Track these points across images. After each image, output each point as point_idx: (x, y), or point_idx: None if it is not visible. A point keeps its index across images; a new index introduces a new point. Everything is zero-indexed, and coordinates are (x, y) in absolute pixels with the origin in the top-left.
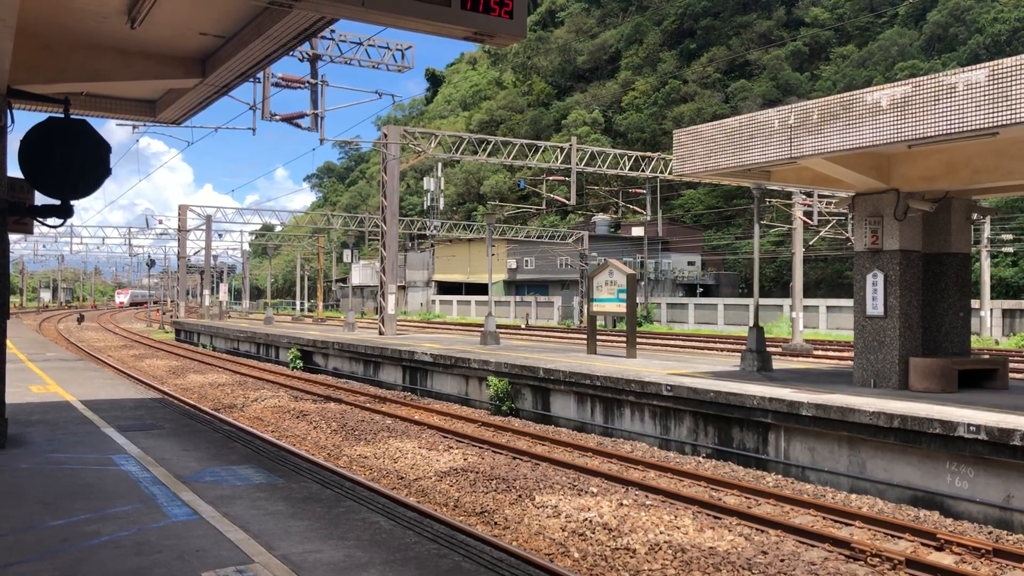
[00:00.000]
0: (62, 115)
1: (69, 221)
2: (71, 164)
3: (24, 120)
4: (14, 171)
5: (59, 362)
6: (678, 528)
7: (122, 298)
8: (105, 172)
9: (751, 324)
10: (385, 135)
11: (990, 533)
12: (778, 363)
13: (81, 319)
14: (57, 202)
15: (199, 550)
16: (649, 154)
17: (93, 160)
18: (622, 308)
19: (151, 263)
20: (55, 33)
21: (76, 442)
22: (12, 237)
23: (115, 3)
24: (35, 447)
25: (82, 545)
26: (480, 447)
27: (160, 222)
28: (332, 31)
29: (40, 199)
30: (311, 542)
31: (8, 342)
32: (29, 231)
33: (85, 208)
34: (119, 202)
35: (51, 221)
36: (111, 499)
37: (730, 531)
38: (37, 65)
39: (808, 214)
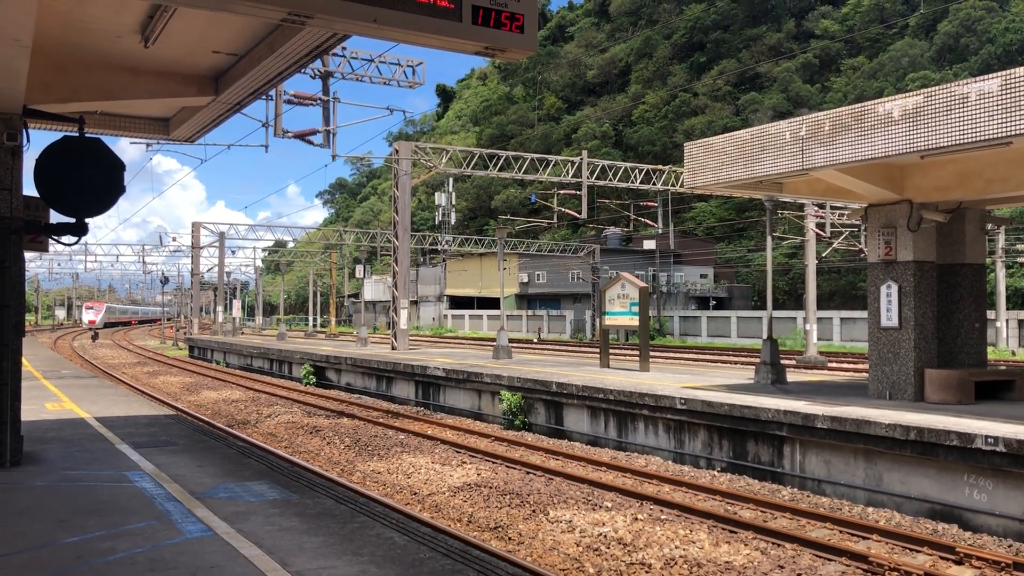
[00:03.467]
0: (77, 134)
1: (83, 239)
2: (85, 182)
3: (39, 139)
4: (29, 189)
5: (74, 379)
6: (693, 542)
7: (90, 315)
8: (119, 190)
9: (765, 336)
10: (396, 151)
11: (1010, 546)
12: (792, 376)
13: (95, 336)
14: (72, 220)
15: (213, 566)
16: (660, 167)
17: (107, 178)
18: (634, 321)
19: (165, 280)
20: (70, 53)
21: (91, 459)
22: (27, 255)
23: (129, 22)
24: (50, 464)
25: (97, 562)
26: (493, 462)
27: (174, 239)
28: (344, 48)
29: (55, 217)
30: (325, 558)
31: (23, 359)
32: (44, 249)
33: (99, 226)
34: (132, 220)
35: (66, 239)
36: (126, 516)
37: (746, 545)
38: (52, 85)
39: (821, 226)
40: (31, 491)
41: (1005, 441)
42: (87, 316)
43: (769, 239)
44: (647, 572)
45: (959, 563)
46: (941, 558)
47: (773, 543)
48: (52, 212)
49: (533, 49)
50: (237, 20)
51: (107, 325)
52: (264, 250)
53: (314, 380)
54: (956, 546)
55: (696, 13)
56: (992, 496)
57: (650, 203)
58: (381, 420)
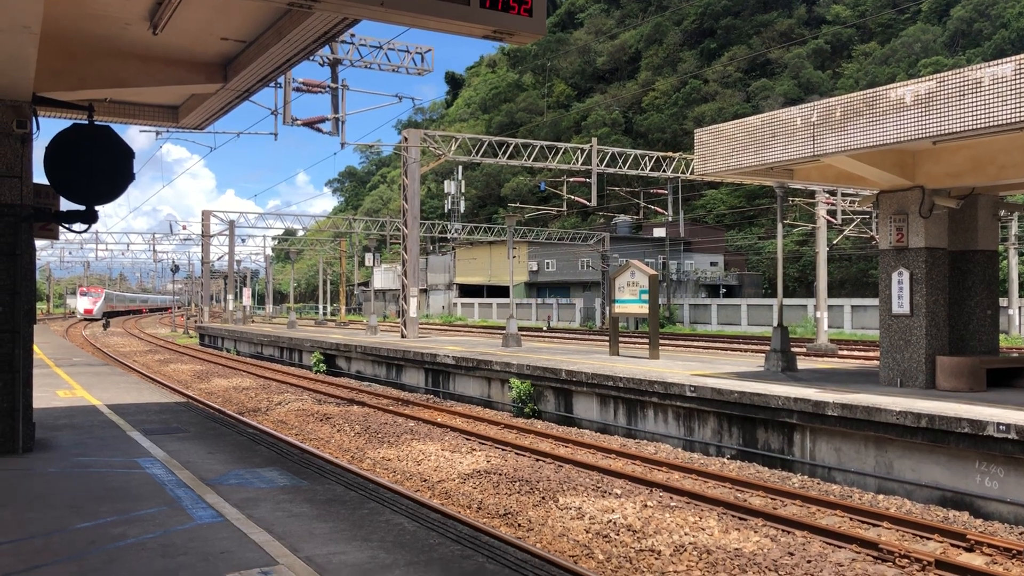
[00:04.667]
0: (86, 121)
1: (94, 227)
2: (95, 170)
3: (49, 127)
4: (40, 177)
5: (85, 367)
6: (703, 529)
7: (86, 303)
8: (129, 177)
9: (775, 324)
10: (405, 138)
11: (1021, 534)
12: (803, 363)
13: (107, 325)
14: (82, 208)
15: (224, 552)
16: (670, 154)
17: (117, 166)
18: (644, 309)
19: (175, 268)
20: (79, 40)
21: (102, 446)
22: (38, 243)
23: (138, 9)
24: (62, 451)
25: (109, 547)
26: (503, 449)
27: (184, 228)
28: (352, 35)
29: (65, 205)
30: (335, 544)
31: (35, 347)
32: (55, 237)
33: (109, 215)
34: (143, 208)
35: (76, 226)
36: (137, 502)
37: (756, 532)
38: (61, 72)
39: (832, 213)
40: (43, 477)
41: (1017, 428)
42: (81, 304)
43: (780, 226)
44: (656, 559)
45: (970, 550)
46: (952, 545)
47: (783, 530)
48: (62, 200)
49: (542, 32)
50: (245, 6)
51: (107, 315)
52: (274, 238)
53: (324, 368)
54: (967, 533)
55: None
56: (1003, 483)
57: (660, 190)
58: (391, 408)
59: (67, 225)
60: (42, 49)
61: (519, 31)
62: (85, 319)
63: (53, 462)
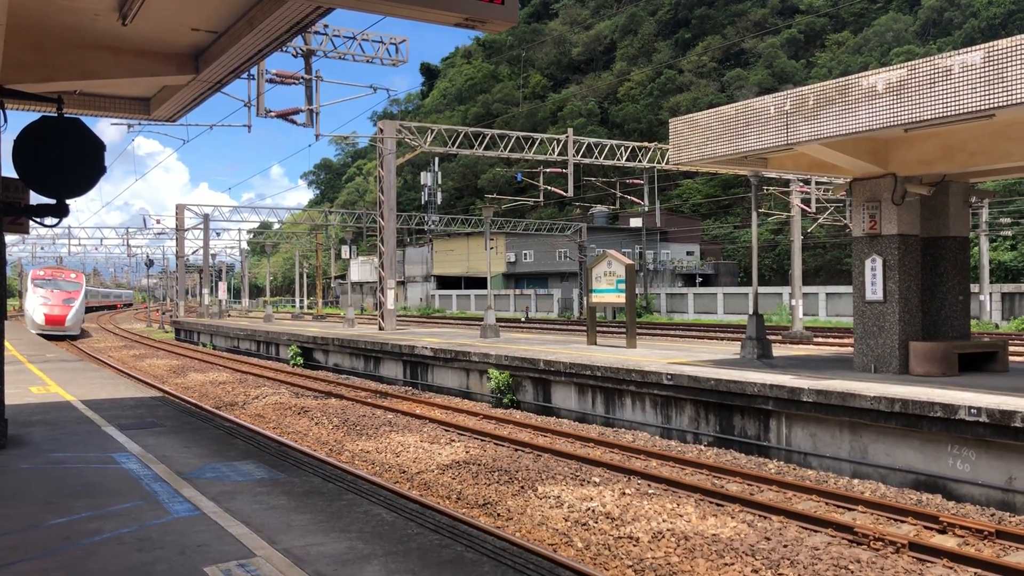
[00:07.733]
0: (55, 114)
1: (66, 222)
2: (65, 163)
3: (17, 120)
4: (8, 171)
5: (59, 363)
6: (681, 516)
7: (50, 305)
8: (100, 170)
9: (750, 312)
10: (381, 130)
11: (992, 515)
12: (778, 350)
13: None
14: (52, 201)
15: (201, 545)
16: (646, 144)
17: (87, 158)
18: (621, 299)
19: (150, 263)
20: (47, 31)
21: (77, 441)
22: (9, 239)
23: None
24: (36, 447)
25: (84, 543)
26: (482, 440)
27: (157, 222)
28: (325, 26)
29: (35, 199)
30: (313, 535)
31: (8, 344)
32: (25, 231)
33: (81, 209)
34: (115, 203)
35: (47, 221)
36: (112, 497)
37: (733, 518)
38: (29, 64)
39: (806, 201)
40: (17, 474)
41: (988, 412)
42: (36, 305)
43: (755, 215)
44: (635, 546)
45: (943, 532)
46: (925, 527)
47: (760, 516)
48: (32, 194)
49: (513, 20)
50: None
51: (88, 310)
52: (249, 232)
53: (301, 361)
54: (940, 515)
55: None
56: (975, 466)
57: (636, 181)
58: (369, 400)
59: (38, 219)
60: (9, 40)
61: (492, 19)
62: (48, 335)
63: (27, 458)
